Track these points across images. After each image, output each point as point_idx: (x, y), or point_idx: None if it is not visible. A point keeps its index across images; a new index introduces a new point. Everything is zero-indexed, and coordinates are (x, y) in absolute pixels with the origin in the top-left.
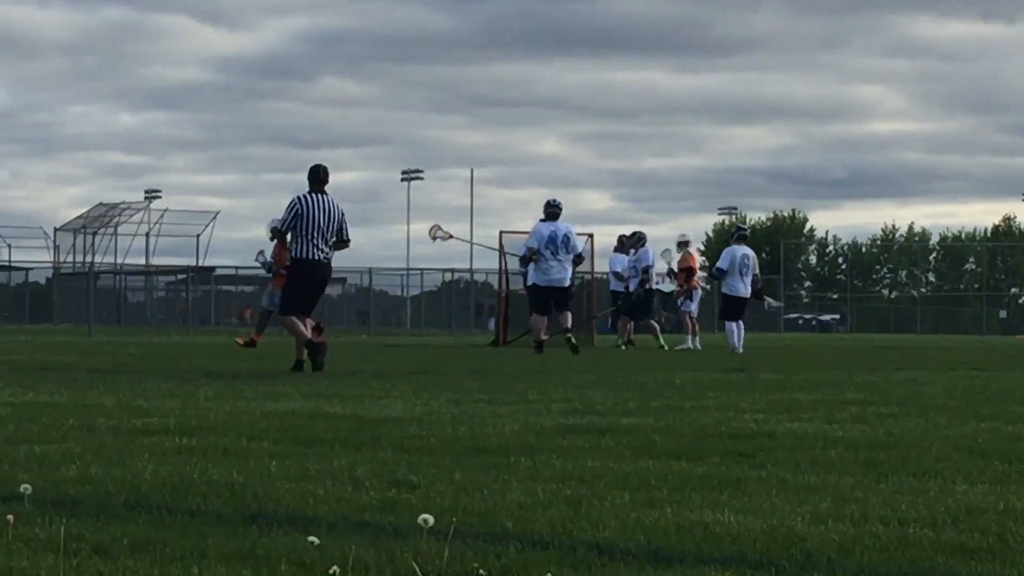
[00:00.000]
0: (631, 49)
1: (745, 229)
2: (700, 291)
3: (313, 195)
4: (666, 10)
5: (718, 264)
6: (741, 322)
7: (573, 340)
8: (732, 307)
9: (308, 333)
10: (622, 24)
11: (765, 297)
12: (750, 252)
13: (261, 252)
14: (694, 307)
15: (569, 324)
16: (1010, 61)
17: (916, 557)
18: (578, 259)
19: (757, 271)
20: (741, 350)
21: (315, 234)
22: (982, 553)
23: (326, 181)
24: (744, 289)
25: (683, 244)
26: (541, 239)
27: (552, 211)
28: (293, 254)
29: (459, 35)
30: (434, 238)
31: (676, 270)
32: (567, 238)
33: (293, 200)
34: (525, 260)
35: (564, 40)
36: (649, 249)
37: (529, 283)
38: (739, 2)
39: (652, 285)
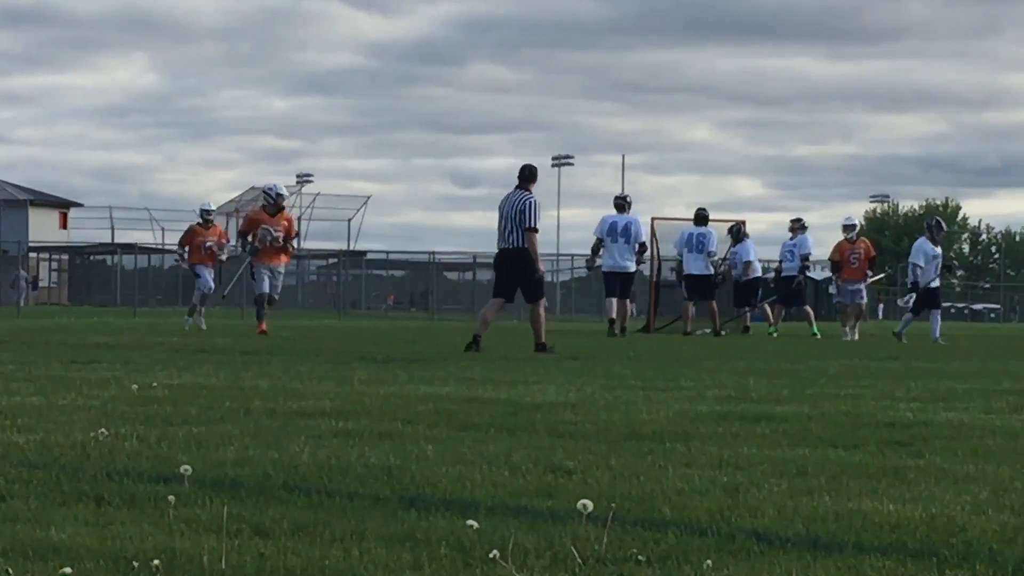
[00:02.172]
0: (783, 36)
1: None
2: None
3: (510, 191)
4: None
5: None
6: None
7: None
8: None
9: (490, 318)
10: (774, 11)
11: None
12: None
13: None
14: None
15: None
16: None
17: None
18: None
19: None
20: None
21: (502, 225)
22: None
23: (523, 178)
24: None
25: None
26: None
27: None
28: None
29: (611, 21)
30: None
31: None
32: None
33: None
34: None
35: (716, 27)
36: (808, 236)
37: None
38: None
39: (809, 273)
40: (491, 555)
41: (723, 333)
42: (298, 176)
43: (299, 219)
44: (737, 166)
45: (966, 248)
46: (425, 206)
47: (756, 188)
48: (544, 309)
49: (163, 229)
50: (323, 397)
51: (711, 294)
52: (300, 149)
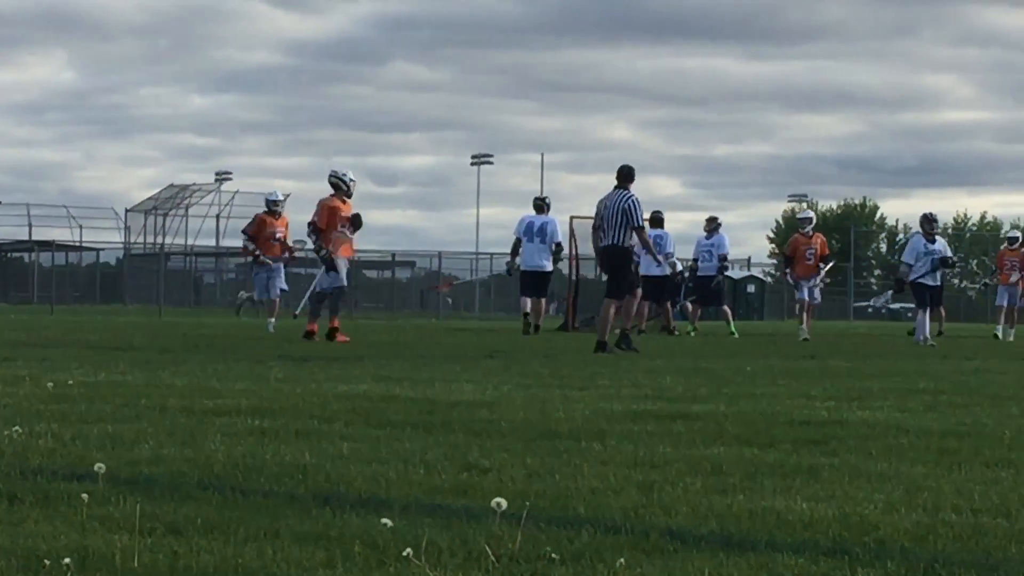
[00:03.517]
0: (702, 36)
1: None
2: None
3: (610, 192)
4: None
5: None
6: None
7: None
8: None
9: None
10: (693, 11)
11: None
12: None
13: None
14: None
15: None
16: None
17: (990, 546)
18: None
19: (670, 249)
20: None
21: (603, 224)
22: None
23: (622, 178)
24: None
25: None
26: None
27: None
28: None
29: (530, 21)
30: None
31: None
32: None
33: None
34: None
35: (635, 26)
36: (725, 236)
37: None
38: None
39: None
40: (404, 553)
41: (642, 331)
42: (217, 174)
43: (217, 217)
44: (656, 165)
45: (883, 248)
46: None
47: (675, 187)
48: (614, 311)
49: (81, 227)
50: (239, 395)
51: (668, 295)
52: (219, 147)
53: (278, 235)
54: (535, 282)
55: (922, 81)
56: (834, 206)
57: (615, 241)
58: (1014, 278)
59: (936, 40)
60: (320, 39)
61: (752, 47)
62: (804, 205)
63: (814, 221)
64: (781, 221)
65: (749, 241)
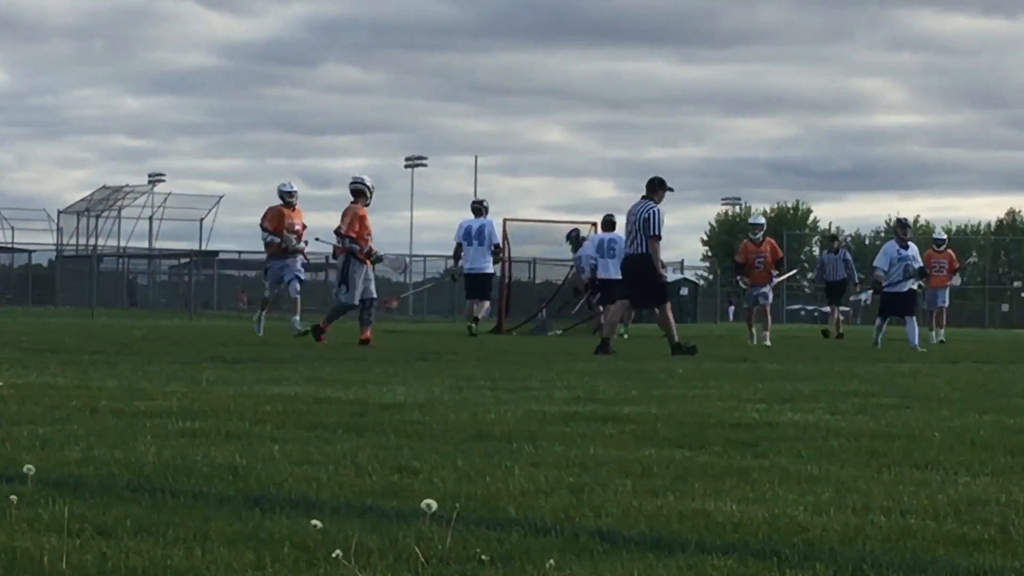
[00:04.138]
0: (635, 39)
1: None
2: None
3: (637, 201)
4: (670, 1)
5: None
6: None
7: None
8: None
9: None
10: (627, 14)
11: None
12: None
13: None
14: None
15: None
16: (1012, 55)
17: (918, 548)
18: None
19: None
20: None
21: (629, 232)
22: (984, 544)
23: (650, 188)
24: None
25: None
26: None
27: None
28: None
29: (464, 23)
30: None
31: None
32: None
33: None
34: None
35: (569, 29)
36: None
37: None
38: None
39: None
40: (334, 554)
41: (559, 333)
42: (150, 176)
43: (151, 219)
44: (590, 168)
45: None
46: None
47: (608, 190)
48: (671, 311)
49: (12, 228)
50: (171, 397)
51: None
52: (152, 148)
53: (296, 228)
54: (480, 284)
55: (855, 85)
56: (767, 209)
57: (638, 250)
58: (956, 280)
59: (869, 44)
60: (254, 41)
61: (686, 51)
62: (754, 210)
63: (765, 227)
64: (714, 224)
65: (683, 244)
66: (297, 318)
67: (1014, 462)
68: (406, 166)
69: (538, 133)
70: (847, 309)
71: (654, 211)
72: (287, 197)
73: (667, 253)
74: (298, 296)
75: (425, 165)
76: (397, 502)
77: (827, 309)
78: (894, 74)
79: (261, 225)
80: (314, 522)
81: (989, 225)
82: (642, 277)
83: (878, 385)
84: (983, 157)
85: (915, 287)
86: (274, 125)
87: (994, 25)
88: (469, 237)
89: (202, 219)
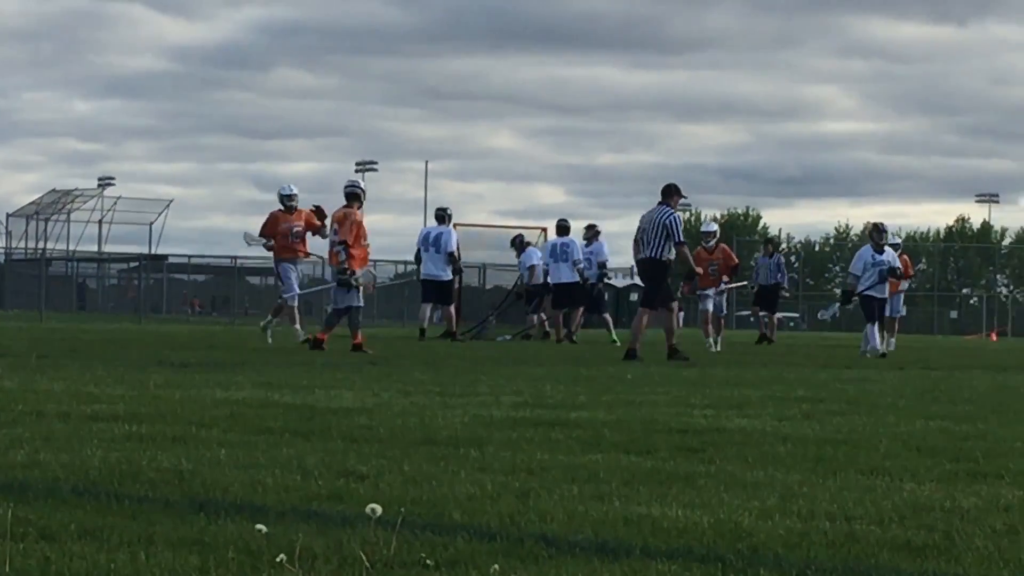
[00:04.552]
0: (586, 45)
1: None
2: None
3: (653, 207)
4: (621, 7)
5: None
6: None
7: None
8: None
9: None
10: (577, 20)
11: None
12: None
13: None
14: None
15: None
16: (961, 63)
17: (862, 553)
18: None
19: (577, 256)
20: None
21: (642, 237)
22: (928, 550)
23: (665, 194)
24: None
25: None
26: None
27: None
28: None
29: (415, 28)
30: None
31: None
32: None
33: None
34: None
35: (520, 35)
36: (604, 243)
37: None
38: (694, 0)
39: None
40: (278, 559)
41: (508, 338)
42: (100, 179)
43: (100, 222)
44: (541, 174)
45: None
46: (228, 210)
47: (559, 196)
48: (647, 320)
49: None
50: (117, 401)
51: (579, 301)
52: (102, 152)
53: (295, 230)
54: (434, 291)
55: (805, 92)
56: (718, 215)
57: (653, 254)
58: (904, 285)
59: (819, 51)
60: (204, 45)
61: (636, 57)
62: (704, 216)
63: (718, 235)
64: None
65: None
66: (298, 327)
67: (959, 468)
68: (356, 170)
69: (489, 138)
70: (781, 315)
71: (673, 217)
72: (286, 201)
73: (618, 259)
74: (295, 304)
75: (376, 170)
76: (343, 506)
77: (778, 316)
78: (844, 81)
79: (260, 234)
80: (259, 526)
81: (938, 232)
82: (655, 278)
83: (825, 391)
84: (933, 164)
85: (886, 294)
86: (225, 129)
87: (944, 33)
88: (426, 244)
89: (152, 223)
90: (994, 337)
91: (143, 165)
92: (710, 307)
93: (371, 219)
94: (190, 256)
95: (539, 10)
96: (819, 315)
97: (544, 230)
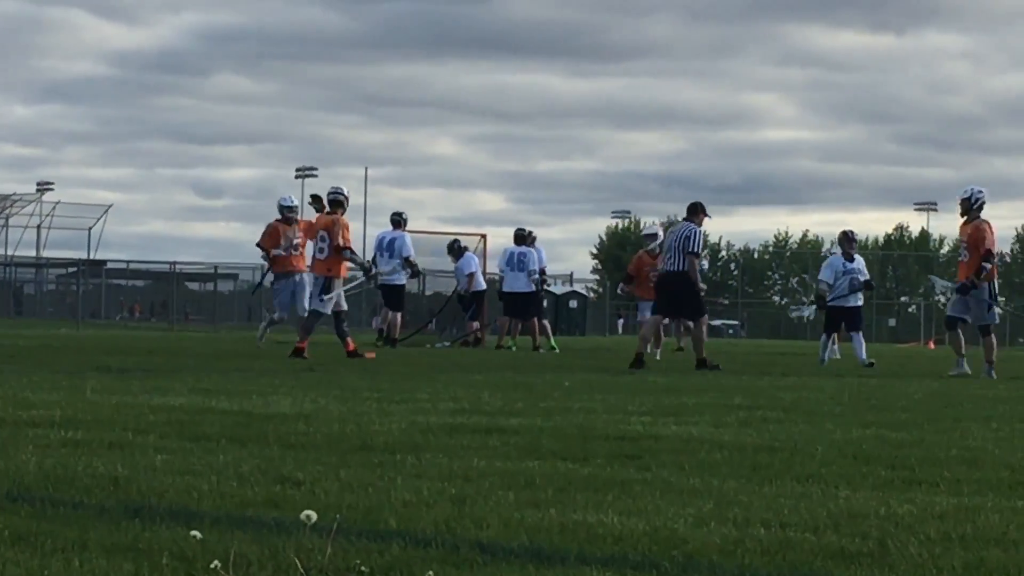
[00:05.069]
0: (526, 53)
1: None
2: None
3: (679, 223)
4: (561, 15)
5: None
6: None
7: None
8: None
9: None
10: (517, 27)
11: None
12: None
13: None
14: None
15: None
16: (899, 72)
17: (796, 561)
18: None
19: (533, 267)
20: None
21: (667, 252)
22: (862, 558)
23: (690, 212)
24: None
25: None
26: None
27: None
28: None
29: (355, 35)
30: None
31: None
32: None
33: None
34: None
35: (460, 42)
36: (542, 249)
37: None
38: (634, 8)
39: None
40: (213, 565)
41: (447, 345)
42: (38, 184)
43: (39, 227)
44: (481, 180)
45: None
46: (167, 216)
47: (499, 202)
48: (705, 327)
49: None
50: (54, 406)
51: (533, 312)
52: (41, 157)
53: (296, 242)
54: (388, 296)
55: (744, 100)
56: (657, 222)
57: (677, 267)
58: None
59: (758, 60)
60: (144, 50)
61: (576, 64)
62: (644, 222)
63: (660, 237)
64: (604, 237)
65: (572, 257)
66: (265, 333)
67: (894, 475)
68: (296, 176)
69: (429, 145)
70: (719, 322)
71: (695, 231)
72: (286, 212)
73: (556, 266)
74: (285, 318)
75: (316, 176)
76: (278, 513)
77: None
78: (783, 89)
79: (258, 244)
80: (193, 533)
81: (877, 240)
82: (682, 291)
83: (763, 398)
84: (871, 172)
85: (860, 302)
86: (164, 134)
87: (882, 42)
88: (381, 248)
89: (90, 228)
90: (931, 345)
91: (82, 170)
92: (648, 314)
93: None
94: (129, 261)
95: (479, 17)
96: (791, 314)
97: (483, 237)
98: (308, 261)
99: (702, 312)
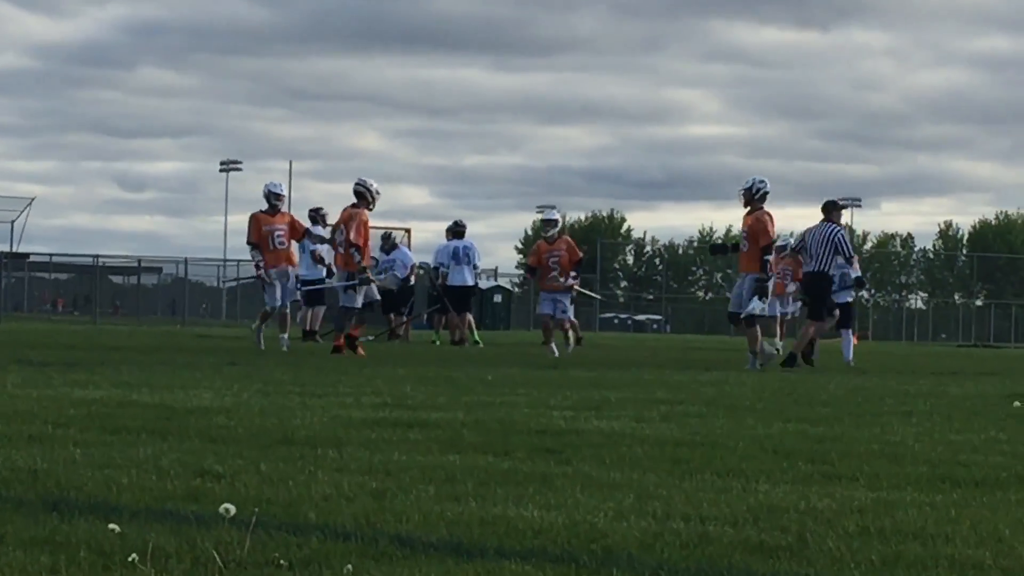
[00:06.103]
0: (451, 47)
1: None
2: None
3: (817, 223)
4: (486, 9)
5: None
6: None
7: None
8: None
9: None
10: (442, 22)
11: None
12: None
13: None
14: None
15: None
16: (824, 68)
17: (715, 554)
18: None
19: (478, 260)
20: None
21: (810, 251)
22: (781, 551)
23: (826, 211)
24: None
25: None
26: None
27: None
28: None
29: (280, 28)
30: None
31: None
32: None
33: None
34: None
35: (385, 36)
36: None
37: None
38: (559, 3)
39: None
40: (131, 558)
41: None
42: None
43: None
44: (406, 175)
45: (630, 259)
46: (91, 209)
47: (424, 196)
48: (815, 331)
49: None
50: None
51: (469, 306)
52: None
53: (278, 234)
54: (308, 292)
55: (669, 95)
56: (582, 218)
57: (819, 268)
58: (790, 288)
59: (683, 55)
60: (68, 43)
61: (501, 59)
62: (564, 217)
63: (559, 223)
64: (529, 231)
65: (497, 252)
66: (286, 336)
67: (814, 470)
68: (221, 170)
69: (354, 139)
70: (644, 317)
71: (842, 235)
72: (272, 199)
73: (484, 260)
74: (287, 311)
75: (240, 169)
76: (198, 506)
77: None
78: (708, 85)
79: (248, 242)
80: (112, 526)
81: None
82: (820, 291)
83: (685, 393)
84: (796, 169)
85: (850, 299)
86: (88, 127)
87: (807, 38)
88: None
89: (13, 221)
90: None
91: (5, 163)
92: (548, 310)
93: (235, 219)
94: (52, 255)
95: (404, 11)
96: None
97: (408, 231)
98: (296, 259)
99: (821, 318)
